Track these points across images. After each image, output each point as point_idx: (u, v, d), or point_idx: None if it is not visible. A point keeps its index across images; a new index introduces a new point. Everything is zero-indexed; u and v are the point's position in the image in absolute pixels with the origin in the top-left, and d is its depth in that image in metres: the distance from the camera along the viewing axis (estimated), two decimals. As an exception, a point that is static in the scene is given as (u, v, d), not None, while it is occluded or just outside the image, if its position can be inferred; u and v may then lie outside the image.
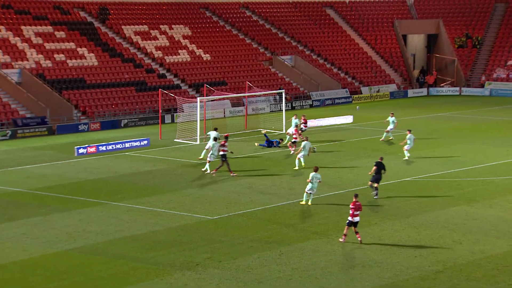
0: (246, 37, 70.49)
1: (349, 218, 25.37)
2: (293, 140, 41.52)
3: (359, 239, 25.25)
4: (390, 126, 44.52)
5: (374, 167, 31.45)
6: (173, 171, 37.03)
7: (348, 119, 53.04)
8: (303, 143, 37.27)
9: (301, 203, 30.36)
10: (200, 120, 45.88)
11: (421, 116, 56.51)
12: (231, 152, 37.67)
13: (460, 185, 33.60)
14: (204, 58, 65.27)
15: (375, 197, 31.16)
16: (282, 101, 50.90)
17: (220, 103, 56.32)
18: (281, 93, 51.92)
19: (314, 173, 30.02)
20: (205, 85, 53.59)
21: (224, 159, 35.73)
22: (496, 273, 22.46)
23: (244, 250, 24.60)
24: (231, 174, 35.54)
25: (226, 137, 37.43)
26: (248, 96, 55.28)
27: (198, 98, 46.71)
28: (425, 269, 22.72)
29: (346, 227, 25.39)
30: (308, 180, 30.07)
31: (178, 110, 52.74)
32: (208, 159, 36.61)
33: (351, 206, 25.41)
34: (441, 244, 25.05)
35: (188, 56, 64.64)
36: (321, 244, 25.16)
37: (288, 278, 22.24)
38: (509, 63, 72.60)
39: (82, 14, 64.22)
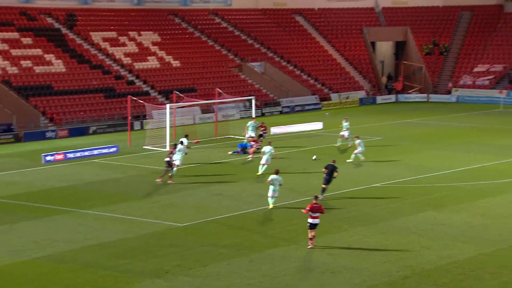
0: (216, 44, 70.46)
1: (309, 220, 25.41)
2: (255, 146, 41.70)
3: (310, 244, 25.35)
4: (344, 132, 44.54)
5: (325, 169, 32.01)
6: (142, 178, 36.82)
7: (317, 125, 53.24)
8: (264, 148, 37.39)
9: (269, 208, 30.44)
10: (170, 127, 45.70)
11: (390, 123, 56.90)
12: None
13: (427, 191, 33.85)
14: (174, 65, 65.10)
15: (320, 197, 31.16)
16: (252, 108, 50.91)
17: (189, 109, 56.17)
18: (251, 99, 51.95)
19: (274, 175, 30.16)
20: (174, 91, 53.42)
21: (167, 166, 35.37)
22: (463, 278, 22.62)
23: (214, 257, 24.50)
24: (159, 180, 35.27)
25: (175, 145, 36.98)
26: (218, 103, 55.21)
27: (168, 105, 46.55)
28: (393, 275, 22.83)
29: (309, 230, 25.46)
30: (267, 181, 30.25)
31: (147, 117, 52.48)
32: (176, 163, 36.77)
33: (307, 207, 25.50)
34: (410, 250, 25.17)
35: (157, 62, 64.42)
36: (291, 251, 25.16)
37: (259, 285, 22.20)
38: (475, 70, 73.54)
39: (49, 20, 63.69)
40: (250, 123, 45.28)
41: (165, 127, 45.30)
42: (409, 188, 34.50)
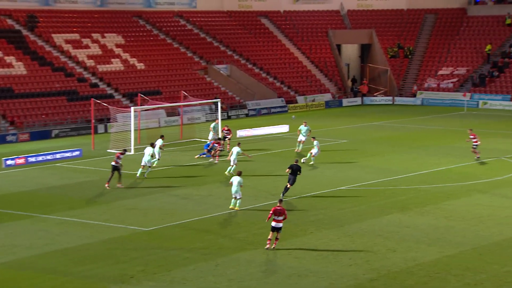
0: (181, 46, 69.98)
1: (272, 223, 25.39)
2: (218, 148, 41.42)
3: (273, 246, 25.31)
4: (302, 137, 44.12)
5: (288, 169, 32.32)
6: (107, 180, 36.25)
7: (283, 128, 53.14)
8: (233, 148, 37.40)
9: (230, 207, 30.52)
10: (134, 130, 45.19)
11: (356, 125, 57.06)
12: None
13: (393, 194, 33.92)
14: (138, 67, 64.50)
15: (281, 196, 31.51)
16: (218, 111, 50.64)
17: (154, 112, 55.65)
18: (217, 102, 51.66)
19: (236, 177, 30.41)
20: (139, 94, 52.83)
21: (114, 170, 34.64)
22: (427, 280, 22.69)
23: (179, 262, 24.22)
24: (106, 185, 34.66)
25: (125, 150, 36.25)
26: (183, 106, 54.78)
27: (132, 108, 46.02)
28: (360, 278, 22.83)
29: (271, 232, 25.41)
30: (230, 182, 30.54)
31: (111, 120, 51.79)
32: (147, 164, 36.68)
33: (271, 211, 25.42)
34: (376, 252, 25.19)
35: (122, 65, 63.76)
36: (257, 254, 24.99)
37: (224, 289, 22.01)
38: (439, 73, 74.16)
39: (10, 21, 62.61)
40: (213, 124, 45.03)
41: (130, 131, 44.78)
42: (375, 191, 34.55)
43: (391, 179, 36.58)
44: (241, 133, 50.79)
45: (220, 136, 44.31)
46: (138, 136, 46.71)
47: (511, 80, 70.33)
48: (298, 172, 32.32)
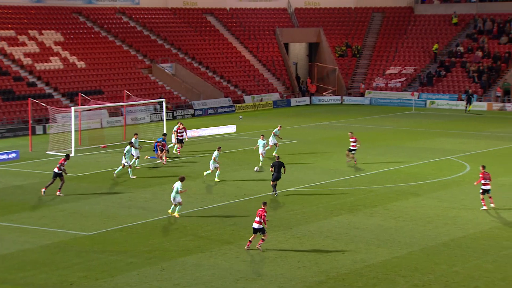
0: (123, 44, 68.65)
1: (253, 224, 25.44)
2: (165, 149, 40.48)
3: (258, 246, 25.27)
4: (272, 141, 43.40)
5: (272, 168, 32.73)
6: (45, 185, 35.01)
7: (231, 128, 52.52)
8: (213, 153, 36.35)
9: (168, 211, 29.73)
10: (75, 131, 44.03)
11: (304, 125, 56.87)
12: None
13: (342, 195, 33.67)
14: (79, 66, 62.97)
15: (275, 195, 32.47)
16: (163, 111, 49.65)
17: (96, 113, 54.41)
18: (162, 102, 50.66)
19: (177, 182, 29.46)
20: (79, 94, 51.42)
21: (55, 177, 33.07)
22: (376, 281, 22.57)
23: (122, 267, 23.58)
24: (42, 190, 33.20)
25: (67, 156, 34.35)
26: (127, 106, 53.61)
27: (73, 108, 44.78)
28: (308, 280, 22.56)
29: (253, 235, 25.37)
30: (172, 187, 29.57)
31: (50, 121, 50.35)
32: (126, 163, 36.39)
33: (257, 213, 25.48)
34: (324, 254, 24.95)
35: (61, 63, 62.14)
36: (204, 258, 24.48)
37: (169, 296, 21.39)
38: (387, 72, 74.51)
39: None
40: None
41: (70, 131, 43.57)
42: (324, 192, 34.29)
43: (339, 180, 36.33)
44: (187, 133, 49.85)
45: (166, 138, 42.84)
46: (79, 137, 45.57)
47: (458, 80, 71.06)
48: (282, 168, 32.61)
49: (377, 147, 46.24)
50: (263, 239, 25.25)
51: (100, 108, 53.16)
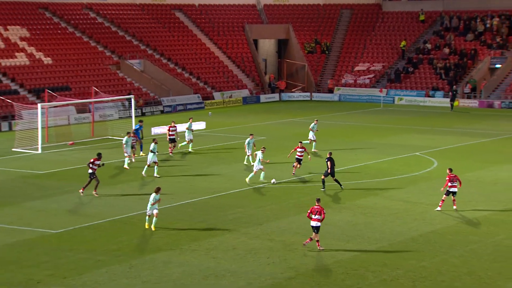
0: (91, 40, 67.96)
1: (311, 223, 25.04)
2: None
3: (318, 247, 24.93)
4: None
5: (328, 162, 32.88)
6: (11, 183, 34.73)
7: (200, 125, 52.30)
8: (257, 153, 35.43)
9: (146, 225, 27.63)
10: (42, 128, 43.49)
11: (274, 122, 56.86)
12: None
13: (311, 191, 33.74)
14: (45, 62, 62.21)
15: (341, 187, 33.27)
16: (131, 107, 49.27)
17: (63, 109, 53.80)
18: (131, 98, 50.29)
19: (152, 194, 27.35)
20: (46, 90, 50.76)
21: (91, 177, 32.30)
22: (345, 277, 22.64)
23: (91, 265, 23.34)
24: (93, 192, 32.50)
25: (99, 155, 33.33)
26: (95, 102, 53.11)
27: (39, 104, 44.27)
28: (277, 276, 22.54)
29: (314, 234, 25.09)
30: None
31: (16, 117, 49.70)
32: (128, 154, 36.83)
33: (309, 210, 25.16)
34: (294, 251, 24.94)
35: (27, 59, 61.31)
36: (173, 255, 24.33)
37: (138, 293, 21.24)
38: (356, 69, 74.83)
39: None
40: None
41: (37, 128, 43.02)
42: (293, 188, 34.32)
43: (309, 176, 36.35)
44: (156, 130, 49.66)
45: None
46: (45, 134, 45.00)
47: (425, 76, 71.64)
48: (328, 162, 32.94)
49: (345, 143, 46.42)
50: (318, 241, 24.94)
51: (67, 104, 52.59)
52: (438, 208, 29.93)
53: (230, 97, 68.41)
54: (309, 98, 72.00)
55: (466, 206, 30.54)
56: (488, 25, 73.86)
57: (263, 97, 71.03)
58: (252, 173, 34.75)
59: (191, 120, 43.49)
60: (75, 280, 22.04)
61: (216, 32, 77.44)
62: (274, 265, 23.50)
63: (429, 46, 73.92)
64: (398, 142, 46.91)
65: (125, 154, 37.69)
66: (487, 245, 25.53)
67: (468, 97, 66.66)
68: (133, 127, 45.12)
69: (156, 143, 36.52)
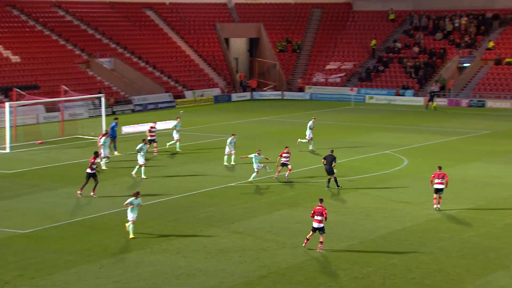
0: (60, 38, 67.25)
1: (313, 223, 24.81)
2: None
3: (319, 250, 24.63)
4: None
5: (324, 160, 33.19)
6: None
7: (171, 124, 51.93)
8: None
9: (130, 235, 26.45)
10: (10, 127, 42.95)
11: (245, 121, 56.82)
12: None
13: (283, 190, 33.75)
14: (13, 60, 61.44)
15: (328, 188, 33.04)
16: (101, 106, 48.87)
17: (32, 108, 53.23)
18: (101, 97, 49.87)
19: (132, 198, 26.39)
20: (14, 89, 50.09)
21: (88, 177, 31.71)
22: (317, 275, 22.69)
23: (60, 265, 23.09)
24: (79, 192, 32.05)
25: (96, 153, 32.69)
26: (64, 101, 52.57)
27: (7, 103, 43.71)
28: (249, 275, 22.48)
29: (312, 233, 24.87)
30: (125, 204, 26.53)
31: (-17, 117, 49.06)
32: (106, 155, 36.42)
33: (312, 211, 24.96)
34: (266, 249, 24.90)
35: (-5, 57, 60.60)
36: (145, 255, 24.16)
37: (109, 293, 21.07)
38: (327, 67, 75.07)
39: None
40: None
41: (5, 127, 42.51)
42: (265, 187, 34.25)
43: (280, 175, 36.29)
44: (126, 129, 49.30)
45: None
46: (14, 133, 44.46)
47: (395, 75, 72.10)
48: (334, 162, 33.06)
49: (317, 142, 46.48)
50: (322, 242, 24.69)
51: (36, 103, 52.01)
52: (435, 206, 29.85)
53: (202, 95, 68.23)
54: (280, 97, 72.07)
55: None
56: (456, 25, 74.59)
57: (234, 96, 70.95)
58: (255, 173, 34.57)
59: (179, 119, 43.28)
60: (44, 280, 21.79)
61: (187, 30, 77.16)
62: (246, 263, 23.44)
63: (399, 45, 74.42)
64: (369, 140, 47.14)
65: (101, 155, 36.78)
66: (456, 243, 25.75)
67: (437, 96, 67.22)
68: (103, 126, 44.80)
69: (145, 143, 36.15)
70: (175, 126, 42.61)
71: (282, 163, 35.33)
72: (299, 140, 43.00)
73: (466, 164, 39.53)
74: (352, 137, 48.72)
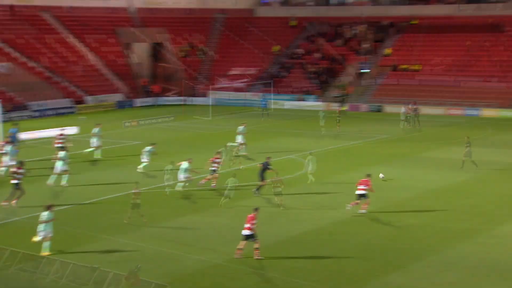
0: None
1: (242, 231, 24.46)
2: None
3: (256, 257, 24.30)
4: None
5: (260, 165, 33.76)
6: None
7: (72, 130, 50.83)
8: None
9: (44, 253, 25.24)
10: None
11: (149, 126, 56.07)
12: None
13: (187, 195, 33.43)
14: None
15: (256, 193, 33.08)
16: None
17: None
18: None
19: (46, 212, 25.19)
20: None
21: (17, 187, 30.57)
22: (221, 280, 22.66)
23: None
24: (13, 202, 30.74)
25: (21, 163, 31.72)
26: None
27: None
28: (152, 283, 21.77)
29: (243, 242, 24.50)
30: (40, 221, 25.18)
31: None
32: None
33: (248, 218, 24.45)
34: (170, 256, 24.62)
35: None
36: (43, 265, 23.24)
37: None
38: (231, 73, 75.24)
39: None
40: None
41: None
42: (170, 193, 33.80)
43: (182, 181, 35.90)
44: (22, 136, 47.65)
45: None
46: None
47: (298, 80, 73.04)
48: (267, 170, 33.32)
49: (219, 147, 46.42)
50: (257, 248, 24.40)
51: None
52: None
53: (104, 101, 67.00)
54: (184, 102, 71.65)
55: (338, 206, 31.23)
56: (355, 32, 76.35)
57: (137, 101, 70.06)
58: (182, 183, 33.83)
59: (100, 126, 42.17)
60: None
61: (87, 35, 75.57)
62: (148, 271, 22.94)
63: (301, 51, 75.47)
64: (273, 145, 47.43)
65: (3, 164, 35.39)
66: (357, 245, 26.20)
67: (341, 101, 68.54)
68: (0, 134, 43.17)
69: (67, 151, 35.06)
70: (96, 132, 41.63)
71: (211, 170, 35.13)
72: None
73: (367, 167, 40.21)
74: (255, 142, 48.86)
